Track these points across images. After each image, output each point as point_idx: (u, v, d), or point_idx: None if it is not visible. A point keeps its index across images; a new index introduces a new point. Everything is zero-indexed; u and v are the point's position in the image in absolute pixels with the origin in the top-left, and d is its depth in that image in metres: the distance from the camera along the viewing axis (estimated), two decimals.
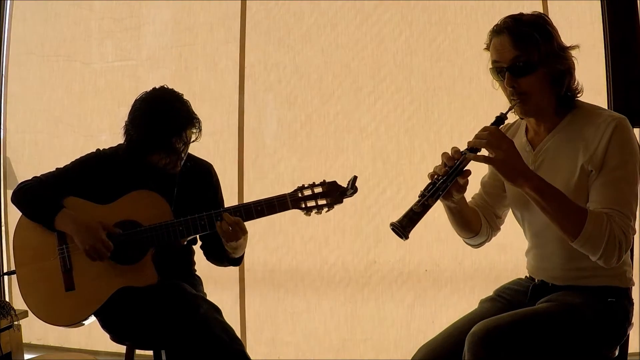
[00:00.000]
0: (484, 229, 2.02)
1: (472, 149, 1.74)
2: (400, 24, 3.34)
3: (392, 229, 1.74)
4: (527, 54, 1.76)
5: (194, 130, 2.32)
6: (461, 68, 3.27)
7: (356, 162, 3.37)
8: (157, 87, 2.37)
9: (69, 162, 2.42)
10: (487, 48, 1.86)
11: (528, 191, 1.72)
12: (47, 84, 3.75)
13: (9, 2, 3.75)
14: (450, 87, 3.29)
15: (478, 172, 2.08)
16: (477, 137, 1.75)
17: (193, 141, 2.34)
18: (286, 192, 2.26)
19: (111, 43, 3.68)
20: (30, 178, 2.38)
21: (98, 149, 2.45)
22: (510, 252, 3.16)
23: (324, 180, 2.27)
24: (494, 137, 1.72)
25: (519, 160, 1.73)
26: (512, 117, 1.90)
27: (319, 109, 3.43)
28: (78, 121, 3.70)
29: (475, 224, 2.00)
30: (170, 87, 2.38)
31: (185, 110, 2.31)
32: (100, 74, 3.68)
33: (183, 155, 2.33)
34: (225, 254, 2.38)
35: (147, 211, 2.30)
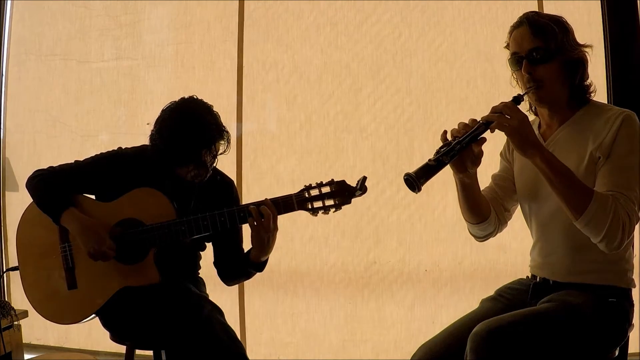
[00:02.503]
0: (493, 218, 2.04)
1: (488, 122, 1.80)
2: (400, 25, 3.34)
3: (406, 180, 1.77)
4: (545, 43, 1.86)
5: (223, 143, 2.28)
6: (459, 70, 3.28)
7: (356, 163, 3.36)
8: (186, 97, 2.32)
9: (88, 157, 2.37)
10: (507, 46, 1.95)
11: (538, 163, 1.77)
12: (45, 84, 3.73)
13: (9, 2, 3.74)
14: (449, 89, 3.30)
15: (489, 167, 2.12)
16: (492, 109, 1.81)
17: (221, 154, 2.30)
18: (292, 193, 2.20)
19: (107, 41, 3.66)
20: (46, 167, 2.35)
21: (120, 148, 2.40)
22: (510, 252, 3.17)
23: (332, 180, 2.21)
24: (508, 108, 1.78)
25: (531, 132, 1.78)
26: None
27: (319, 109, 3.42)
28: (75, 121, 3.69)
29: (485, 209, 2.02)
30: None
31: (214, 123, 2.26)
32: (97, 72, 3.67)
33: (211, 168, 2.30)
34: (247, 261, 2.32)
35: (150, 210, 2.26)
